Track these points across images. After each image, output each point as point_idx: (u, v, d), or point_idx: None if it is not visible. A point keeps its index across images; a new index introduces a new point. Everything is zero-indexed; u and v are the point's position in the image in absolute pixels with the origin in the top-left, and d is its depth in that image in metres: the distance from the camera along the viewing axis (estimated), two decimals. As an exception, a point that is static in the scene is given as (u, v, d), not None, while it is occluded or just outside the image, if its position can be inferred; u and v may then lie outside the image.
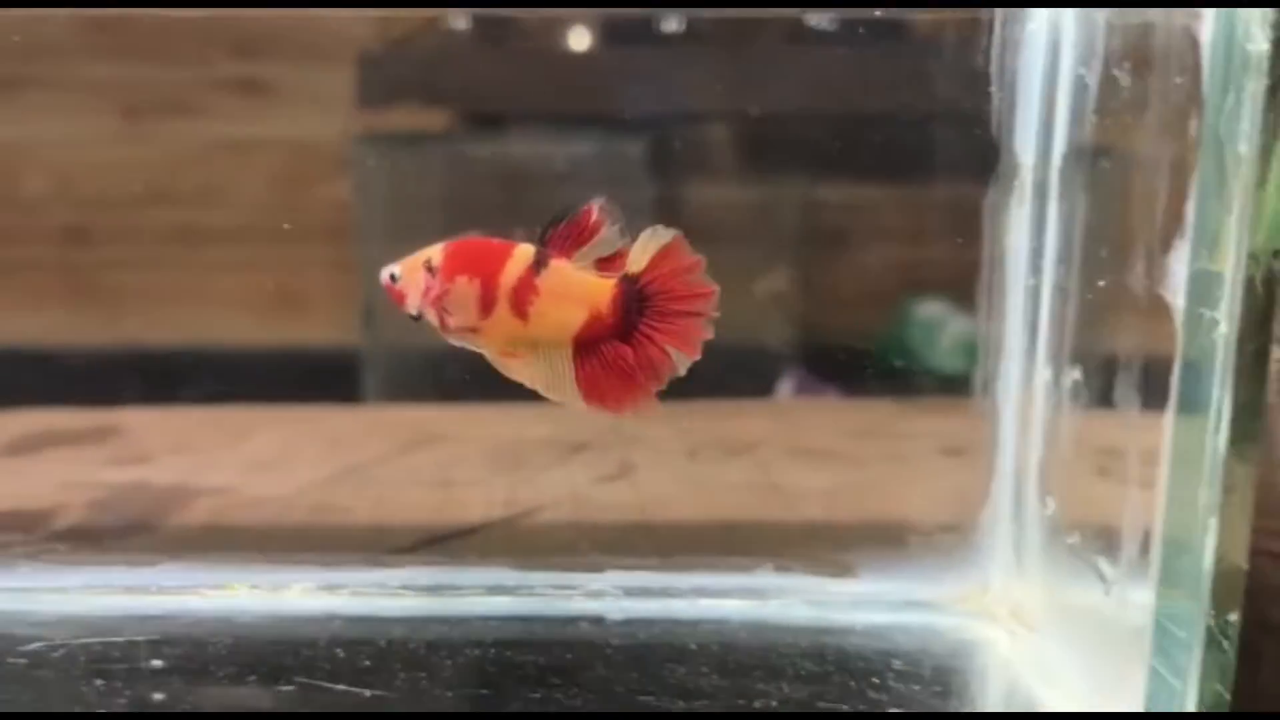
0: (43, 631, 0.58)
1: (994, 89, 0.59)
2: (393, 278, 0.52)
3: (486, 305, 0.50)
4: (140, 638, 0.57)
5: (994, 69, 0.59)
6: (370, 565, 0.64)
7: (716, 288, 0.51)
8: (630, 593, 0.63)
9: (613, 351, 0.51)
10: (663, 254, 0.50)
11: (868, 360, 1.12)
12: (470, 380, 0.64)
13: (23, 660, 0.54)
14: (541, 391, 0.51)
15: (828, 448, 0.98)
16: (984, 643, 0.59)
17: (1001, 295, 0.61)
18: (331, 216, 1.50)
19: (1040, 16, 0.57)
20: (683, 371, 0.50)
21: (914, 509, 0.72)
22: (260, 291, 1.39)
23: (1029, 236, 0.58)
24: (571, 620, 0.62)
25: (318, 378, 0.95)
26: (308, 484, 0.86)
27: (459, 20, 1.21)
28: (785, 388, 1.37)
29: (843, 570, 0.63)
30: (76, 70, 1.00)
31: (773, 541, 0.71)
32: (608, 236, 0.50)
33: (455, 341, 0.51)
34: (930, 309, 1.52)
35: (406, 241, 1.16)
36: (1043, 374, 0.57)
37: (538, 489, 0.89)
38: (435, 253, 0.51)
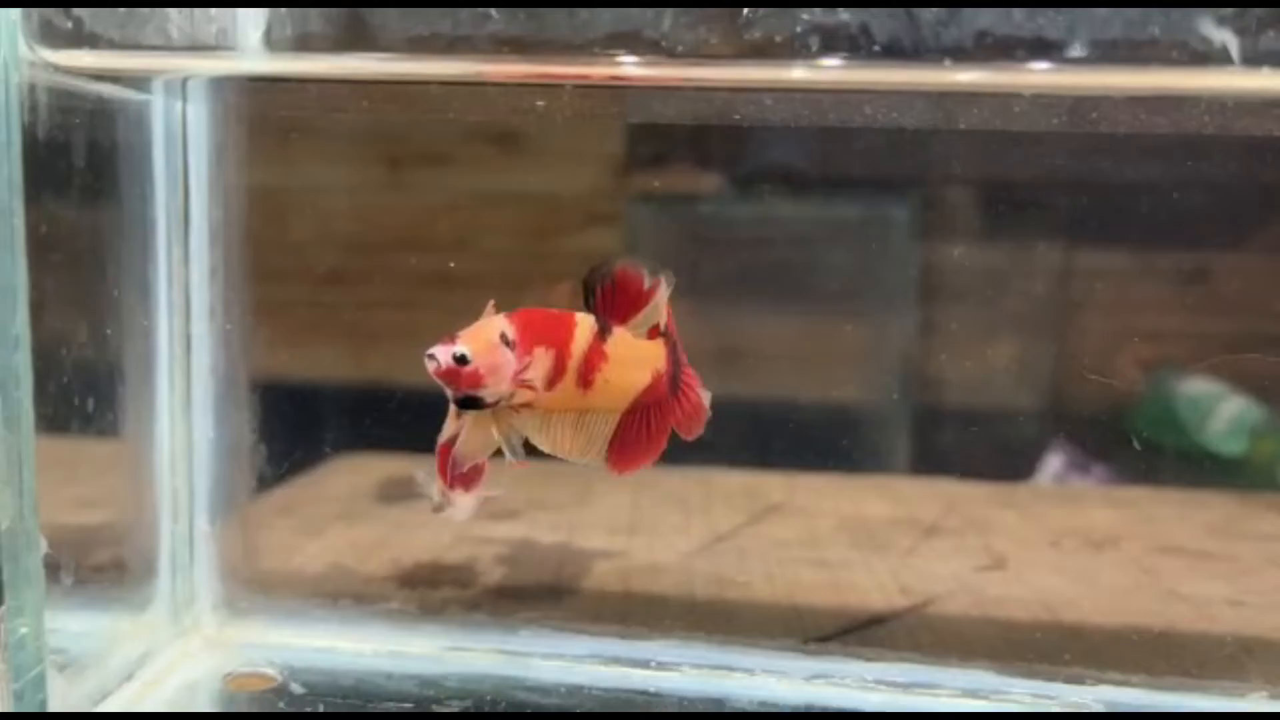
0: (568, 702, 0.60)
1: None
2: (461, 359, 0.46)
3: (556, 376, 0.48)
4: (660, 713, 0.59)
5: None
6: (847, 658, 0.65)
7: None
8: (1113, 707, 0.62)
9: (659, 409, 0.50)
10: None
11: (1133, 437, 1.08)
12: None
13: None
14: (567, 457, 0.50)
15: (1199, 548, 0.96)
16: None
17: None
18: (579, 268, 1.54)
19: None
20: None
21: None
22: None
23: None
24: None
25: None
26: (688, 553, 0.88)
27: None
28: (1053, 463, 1.34)
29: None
30: (345, 120, 1.06)
31: (1228, 660, 0.69)
32: (659, 301, 0.49)
33: (504, 424, 0.48)
34: (1200, 386, 1.46)
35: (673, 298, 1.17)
36: None
37: (920, 575, 0.89)
38: (503, 326, 0.47)
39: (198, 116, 0.60)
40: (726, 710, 0.61)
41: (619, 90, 0.56)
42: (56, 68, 0.49)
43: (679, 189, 1.40)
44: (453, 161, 1.17)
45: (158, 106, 0.59)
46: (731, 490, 1.08)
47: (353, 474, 1.08)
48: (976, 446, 1.16)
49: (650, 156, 1.45)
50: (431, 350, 0.46)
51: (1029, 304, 1.42)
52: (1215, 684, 0.62)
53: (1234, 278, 1.15)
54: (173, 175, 0.59)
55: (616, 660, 0.64)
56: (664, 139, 1.38)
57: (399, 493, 1.07)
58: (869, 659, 0.65)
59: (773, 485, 1.08)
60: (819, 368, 1.19)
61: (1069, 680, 0.63)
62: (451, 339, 0.46)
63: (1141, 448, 1.14)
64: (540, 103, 0.53)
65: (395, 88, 0.59)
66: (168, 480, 0.62)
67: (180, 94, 0.60)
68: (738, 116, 0.59)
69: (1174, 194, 0.87)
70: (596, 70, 0.44)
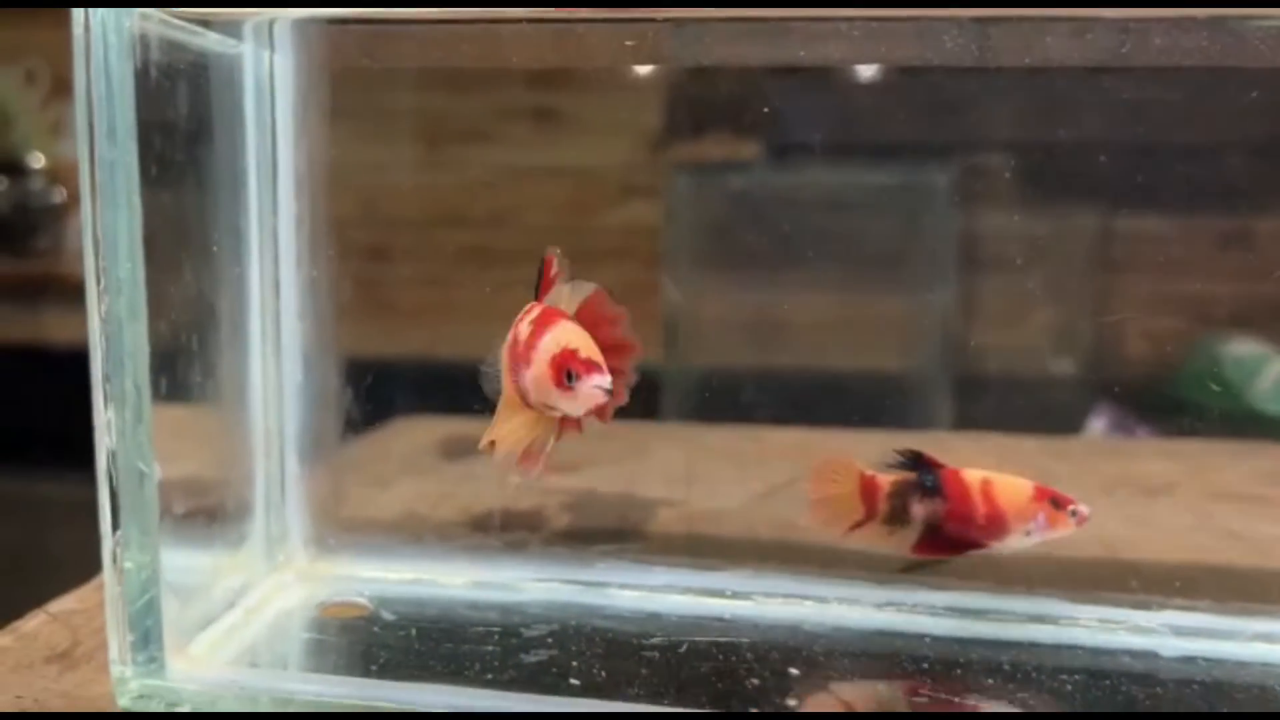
0: (647, 628, 0.63)
1: None
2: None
3: None
4: (736, 639, 0.61)
5: None
6: (915, 586, 0.67)
7: (639, 345, 0.52)
8: (1180, 632, 0.64)
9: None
10: (586, 306, 0.51)
11: (1179, 398, 1.09)
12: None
13: (655, 653, 0.59)
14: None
15: (1254, 493, 0.97)
16: None
17: None
18: (619, 240, 1.56)
19: None
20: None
21: None
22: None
23: None
24: (1117, 653, 0.63)
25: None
26: (749, 500, 0.90)
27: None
28: (1097, 424, 1.35)
29: None
30: (387, 100, 1.07)
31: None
32: (560, 289, 0.51)
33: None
34: (1246, 347, 1.47)
35: (710, 266, 1.19)
36: None
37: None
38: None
39: (284, 68, 0.63)
40: (802, 634, 0.62)
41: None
42: (164, 16, 0.51)
43: (717, 158, 1.41)
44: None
45: (248, 56, 0.61)
46: (784, 446, 1.09)
47: (412, 435, 1.11)
48: (1022, 409, 1.17)
49: (688, 126, 1.46)
50: (600, 383, 0.47)
51: (1073, 267, 1.42)
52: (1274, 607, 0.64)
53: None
54: (262, 126, 0.62)
55: (690, 590, 0.66)
56: (700, 108, 1.39)
57: (459, 450, 1.09)
58: (937, 588, 0.66)
59: (825, 441, 1.09)
60: (864, 331, 1.20)
61: (1135, 606, 0.64)
62: (597, 366, 0.48)
63: (1188, 409, 1.15)
64: (629, 42, 0.55)
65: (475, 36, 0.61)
66: (260, 422, 0.64)
67: (268, 43, 0.62)
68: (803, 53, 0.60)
69: (1224, 156, 0.88)
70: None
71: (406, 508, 0.87)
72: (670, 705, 0.52)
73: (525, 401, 0.49)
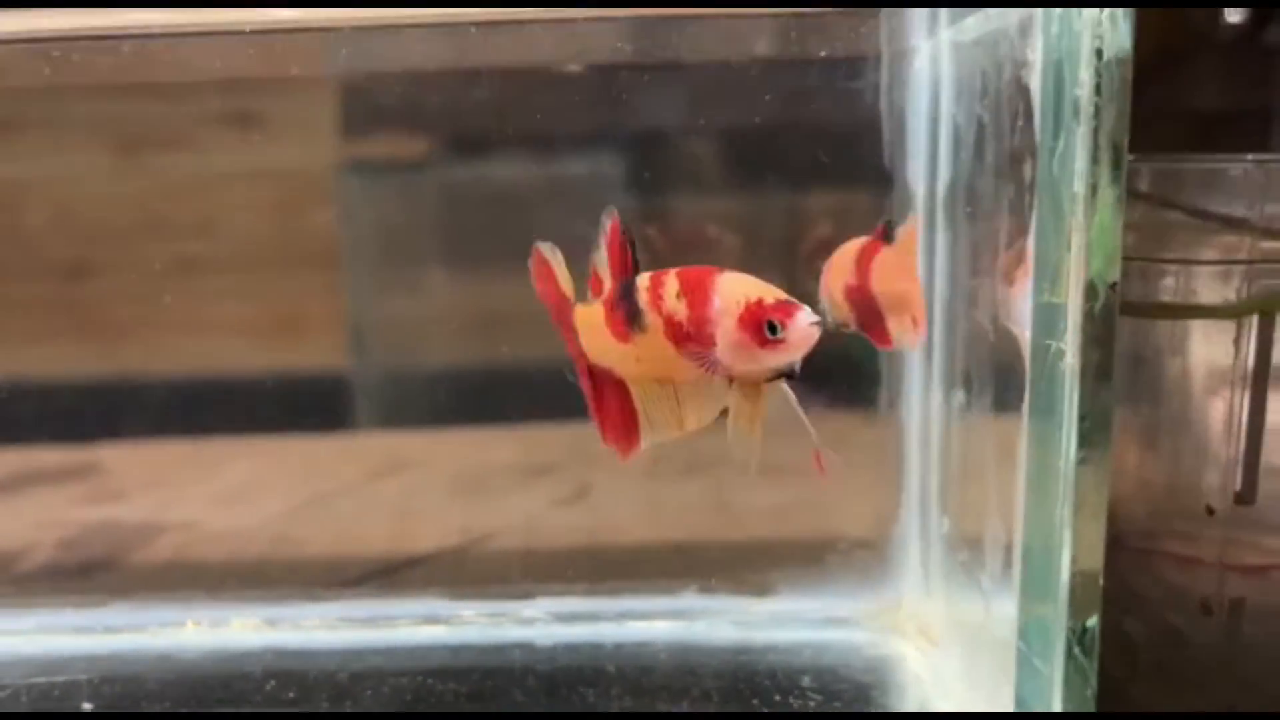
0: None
1: (884, 123, 0.61)
2: None
3: None
4: (83, 676, 0.60)
5: (883, 105, 0.61)
6: (311, 599, 0.66)
7: None
8: (560, 618, 0.65)
9: None
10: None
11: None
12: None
13: (-34, 702, 0.57)
14: None
15: (787, 463, 1.00)
16: (894, 658, 0.61)
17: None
18: (322, 244, 1.53)
19: (923, 54, 0.59)
20: None
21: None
22: (255, 319, 1.42)
23: (923, 264, 0.61)
24: (500, 648, 0.64)
25: (311, 401, 0.97)
26: (271, 516, 0.88)
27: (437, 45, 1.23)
28: None
29: (764, 590, 0.65)
30: (69, 108, 1.02)
31: (705, 562, 0.73)
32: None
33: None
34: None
35: (391, 267, 1.17)
36: (936, 395, 0.59)
37: (494, 515, 0.90)
38: None
39: None
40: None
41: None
42: None
43: (387, 157, 1.38)
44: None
45: None
46: (373, 451, 1.07)
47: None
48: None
49: (362, 122, 1.42)
50: (808, 318, 0.39)
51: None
52: (652, 584, 0.66)
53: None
54: None
55: (70, 629, 0.64)
56: (377, 102, 1.35)
57: (10, 484, 1.04)
58: (332, 599, 0.66)
59: (419, 445, 1.08)
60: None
61: (519, 597, 0.65)
62: (790, 302, 0.39)
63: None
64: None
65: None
66: None
67: None
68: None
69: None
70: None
71: None
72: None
73: (729, 379, 0.40)
